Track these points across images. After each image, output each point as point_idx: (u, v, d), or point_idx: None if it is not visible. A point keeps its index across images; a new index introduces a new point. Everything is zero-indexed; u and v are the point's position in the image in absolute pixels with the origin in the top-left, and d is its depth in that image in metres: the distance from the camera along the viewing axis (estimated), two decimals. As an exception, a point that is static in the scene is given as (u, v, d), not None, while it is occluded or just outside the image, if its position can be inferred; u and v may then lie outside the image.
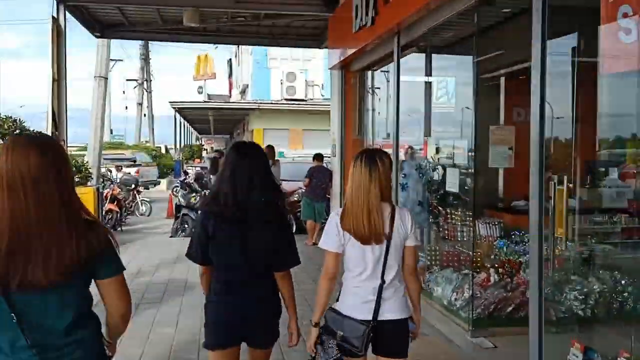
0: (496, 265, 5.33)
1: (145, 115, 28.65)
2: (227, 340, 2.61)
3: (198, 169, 15.00)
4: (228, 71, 41.33)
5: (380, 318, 2.56)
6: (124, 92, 29.06)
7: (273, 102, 27.01)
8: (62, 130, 8.32)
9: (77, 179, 9.38)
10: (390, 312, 2.59)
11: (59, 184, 1.67)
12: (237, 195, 2.50)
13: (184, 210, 10.84)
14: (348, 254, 2.63)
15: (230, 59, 41.10)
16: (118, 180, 12.58)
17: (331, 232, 2.64)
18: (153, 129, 29.61)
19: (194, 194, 11.48)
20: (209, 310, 2.66)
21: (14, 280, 1.58)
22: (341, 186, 8.98)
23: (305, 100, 26.70)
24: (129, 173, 13.53)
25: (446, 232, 6.46)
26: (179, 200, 11.28)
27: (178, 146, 28.33)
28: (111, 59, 27.84)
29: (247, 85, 32.99)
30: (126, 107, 30.57)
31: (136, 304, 5.52)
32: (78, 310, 1.72)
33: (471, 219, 6.27)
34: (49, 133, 8.13)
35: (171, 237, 10.65)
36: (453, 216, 6.44)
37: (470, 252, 5.97)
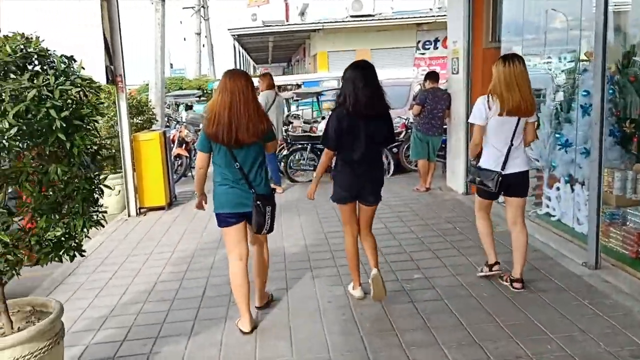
0: None
1: (204, 45, 26.80)
2: (352, 198, 3.80)
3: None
4: (284, -8, 38.56)
5: (507, 171, 3.80)
6: (181, 22, 27.28)
7: (338, 20, 24.46)
8: (118, 63, 6.61)
9: (139, 122, 7.79)
10: (515, 166, 3.82)
11: (253, 94, 3.36)
12: (368, 98, 3.55)
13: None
14: (490, 127, 3.80)
15: (286, -21, 38.22)
16: (184, 121, 10.90)
17: (481, 109, 3.79)
18: (213, 60, 27.85)
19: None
20: (339, 179, 3.79)
21: (232, 140, 3.25)
22: (468, 113, 6.93)
23: (374, 16, 24.04)
24: (195, 111, 11.70)
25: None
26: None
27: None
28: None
29: (307, 5, 30.32)
30: (184, 39, 28.87)
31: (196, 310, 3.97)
32: (261, 157, 3.46)
33: None
34: (103, 65, 6.51)
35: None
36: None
37: None
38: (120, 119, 6.76)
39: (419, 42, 23.69)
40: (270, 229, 3.47)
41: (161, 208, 7.14)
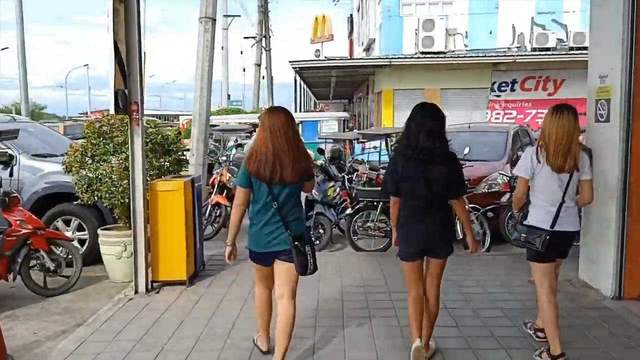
0: None
1: (263, 77, 25.62)
2: (419, 253, 3.49)
3: (331, 142, 10.97)
4: (348, 29, 37.70)
5: (556, 229, 3.51)
6: (241, 52, 26.51)
7: (407, 56, 22.74)
8: (134, 86, 4.88)
9: (165, 163, 6.02)
10: (565, 225, 3.53)
11: (294, 131, 3.34)
12: (421, 143, 3.32)
13: (318, 208, 7.09)
14: (538, 180, 3.54)
15: (351, 15, 37.34)
16: (230, 160, 9.11)
17: (527, 161, 3.55)
18: (272, 92, 26.61)
19: (332, 184, 7.70)
20: (403, 231, 3.51)
21: (274, 178, 3.24)
22: (625, 178, 4.76)
23: (445, 53, 22.15)
24: (242, 151, 9.90)
25: None
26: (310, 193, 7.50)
27: (299, 112, 25.14)
28: (227, 15, 25.12)
29: (373, 40, 28.87)
30: (244, 70, 28.06)
31: None
32: (298, 197, 3.42)
33: None
34: (112, 89, 4.81)
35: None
36: None
37: None
38: (133, 160, 5.02)
39: (494, 83, 21.82)
40: (315, 268, 3.40)
41: (181, 283, 5.28)
